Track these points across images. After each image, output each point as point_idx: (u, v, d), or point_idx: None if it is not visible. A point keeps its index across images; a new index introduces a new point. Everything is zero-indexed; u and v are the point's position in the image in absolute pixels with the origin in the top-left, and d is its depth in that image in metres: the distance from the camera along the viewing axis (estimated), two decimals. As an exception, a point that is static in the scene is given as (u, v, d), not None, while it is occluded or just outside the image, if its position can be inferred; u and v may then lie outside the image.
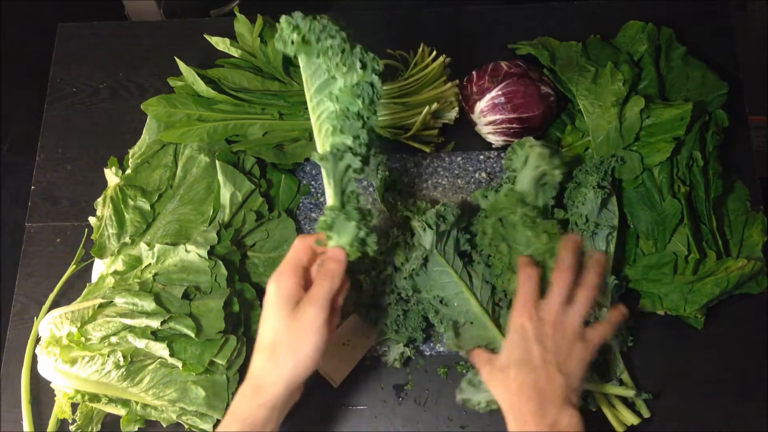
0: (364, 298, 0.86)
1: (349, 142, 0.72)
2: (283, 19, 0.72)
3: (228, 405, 0.82)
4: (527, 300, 0.73)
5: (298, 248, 0.72)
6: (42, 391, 0.88)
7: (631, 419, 0.80)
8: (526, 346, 0.71)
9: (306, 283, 0.71)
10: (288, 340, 0.67)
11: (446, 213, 0.81)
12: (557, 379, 0.69)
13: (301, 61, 0.74)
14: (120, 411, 0.83)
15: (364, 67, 0.71)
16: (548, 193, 0.82)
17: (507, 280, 0.81)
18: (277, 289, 0.69)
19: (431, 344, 0.88)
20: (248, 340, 0.86)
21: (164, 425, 0.84)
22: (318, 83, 0.73)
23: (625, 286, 0.86)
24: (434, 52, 0.99)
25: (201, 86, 0.93)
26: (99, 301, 0.83)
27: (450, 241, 0.83)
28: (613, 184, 0.86)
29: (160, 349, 0.80)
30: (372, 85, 0.72)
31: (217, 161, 0.89)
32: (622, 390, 0.80)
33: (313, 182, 0.97)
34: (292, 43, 0.71)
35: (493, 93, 0.91)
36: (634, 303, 0.87)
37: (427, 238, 0.81)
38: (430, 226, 0.80)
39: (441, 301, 0.83)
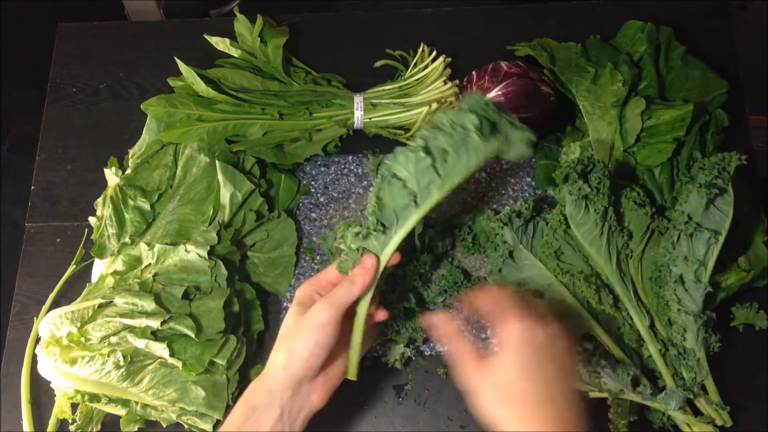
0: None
1: None
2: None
3: (228, 405, 0.82)
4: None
5: (330, 267, 0.75)
6: (42, 391, 0.88)
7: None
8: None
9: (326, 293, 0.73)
10: (290, 334, 0.70)
11: (521, 208, 0.82)
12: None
13: None
14: (120, 411, 0.83)
15: None
16: None
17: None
18: (295, 295, 0.74)
19: (431, 344, 0.88)
20: (248, 340, 0.86)
21: (164, 425, 0.84)
22: None
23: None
24: (434, 52, 0.99)
25: (201, 86, 0.93)
26: (99, 301, 0.83)
27: (537, 233, 0.83)
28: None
29: (160, 349, 0.80)
30: None
31: (217, 161, 0.89)
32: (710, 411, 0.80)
33: (313, 182, 0.97)
34: None
35: (493, 93, 0.91)
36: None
37: (507, 235, 0.82)
38: (506, 224, 0.81)
39: (533, 294, 0.83)
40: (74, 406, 0.84)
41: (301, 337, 0.69)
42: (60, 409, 0.84)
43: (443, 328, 0.70)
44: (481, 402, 0.65)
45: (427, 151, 0.67)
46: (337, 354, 0.73)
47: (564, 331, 0.68)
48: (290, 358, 0.69)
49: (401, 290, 0.86)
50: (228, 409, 0.82)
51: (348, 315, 0.72)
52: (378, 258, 0.71)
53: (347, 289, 0.70)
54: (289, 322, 0.71)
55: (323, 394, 0.73)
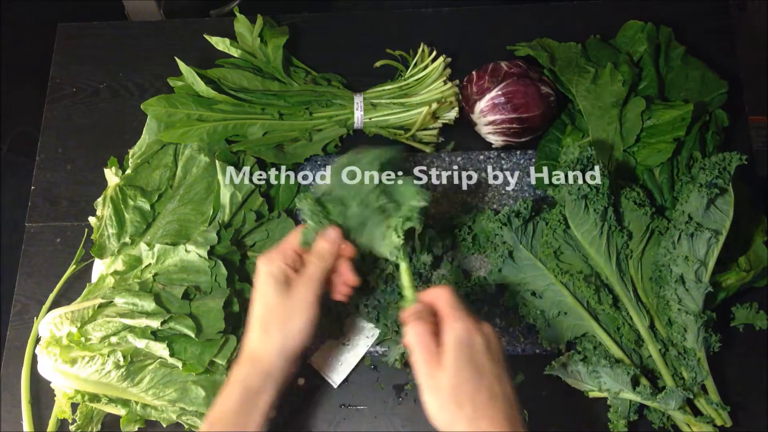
0: (365, 297, 0.87)
1: None
2: None
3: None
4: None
5: (292, 236, 0.77)
6: (42, 391, 0.88)
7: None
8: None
9: (296, 266, 0.74)
10: (279, 316, 0.71)
11: (520, 208, 0.82)
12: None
13: None
14: (120, 411, 0.83)
15: None
16: None
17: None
18: (265, 269, 0.73)
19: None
20: (248, 340, 0.86)
21: (164, 425, 0.84)
22: None
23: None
24: (434, 52, 0.99)
25: (201, 86, 0.93)
26: (99, 301, 0.83)
27: (537, 233, 0.84)
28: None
29: (160, 349, 0.80)
30: None
31: (217, 161, 0.89)
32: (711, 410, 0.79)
33: (312, 182, 0.97)
34: None
35: (493, 93, 0.91)
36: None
37: (506, 235, 0.83)
38: (505, 224, 0.82)
39: (533, 294, 0.84)
40: (74, 406, 0.84)
41: (293, 319, 0.71)
42: (60, 409, 0.84)
43: (409, 322, 0.68)
44: (430, 403, 0.64)
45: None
46: None
47: (495, 330, 0.68)
48: (286, 341, 0.71)
49: (401, 290, 0.86)
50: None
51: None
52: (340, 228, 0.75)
53: (320, 264, 0.73)
54: (271, 302, 0.71)
55: (299, 361, 0.76)
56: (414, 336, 0.66)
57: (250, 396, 0.70)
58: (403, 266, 0.74)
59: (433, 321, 0.67)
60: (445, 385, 0.63)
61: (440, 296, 0.68)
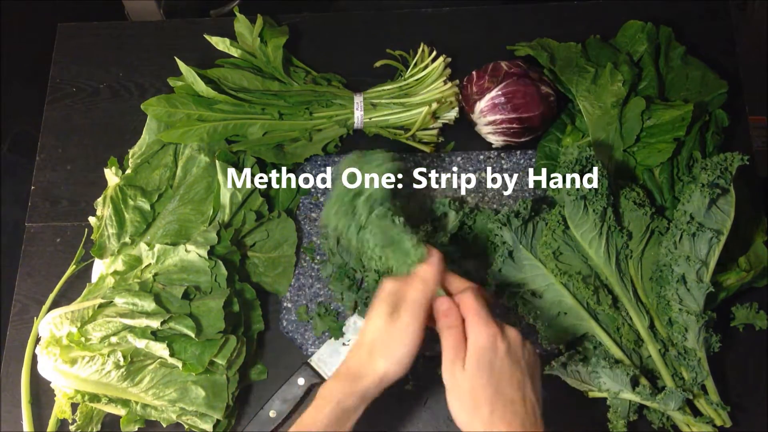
0: (365, 295, 0.87)
1: None
2: None
3: (228, 405, 0.82)
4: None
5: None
6: (42, 391, 0.88)
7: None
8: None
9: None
10: (384, 342, 0.70)
11: (519, 208, 0.82)
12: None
13: None
14: (120, 411, 0.83)
15: None
16: None
17: None
18: (382, 286, 0.72)
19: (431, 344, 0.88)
20: (248, 340, 0.86)
21: (164, 425, 0.84)
22: None
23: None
24: (434, 52, 0.99)
25: (201, 86, 0.93)
26: (99, 301, 0.83)
27: (537, 234, 0.84)
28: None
29: (160, 349, 0.80)
30: None
31: (217, 161, 0.89)
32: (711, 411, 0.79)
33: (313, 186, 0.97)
34: None
35: (493, 93, 0.91)
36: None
37: (506, 235, 0.83)
38: (504, 224, 0.82)
39: (533, 294, 0.84)
40: (74, 406, 0.84)
41: (396, 347, 0.69)
42: (60, 409, 0.84)
43: (443, 318, 0.69)
44: (452, 401, 0.67)
45: None
46: None
47: (523, 335, 0.69)
48: (388, 369, 0.69)
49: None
50: (228, 408, 0.82)
51: None
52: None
53: (423, 289, 0.70)
54: (379, 325, 0.70)
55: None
56: (446, 334, 0.68)
57: (342, 414, 0.70)
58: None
59: (463, 322, 0.69)
60: (465, 387, 0.66)
61: (464, 299, 0.69)
